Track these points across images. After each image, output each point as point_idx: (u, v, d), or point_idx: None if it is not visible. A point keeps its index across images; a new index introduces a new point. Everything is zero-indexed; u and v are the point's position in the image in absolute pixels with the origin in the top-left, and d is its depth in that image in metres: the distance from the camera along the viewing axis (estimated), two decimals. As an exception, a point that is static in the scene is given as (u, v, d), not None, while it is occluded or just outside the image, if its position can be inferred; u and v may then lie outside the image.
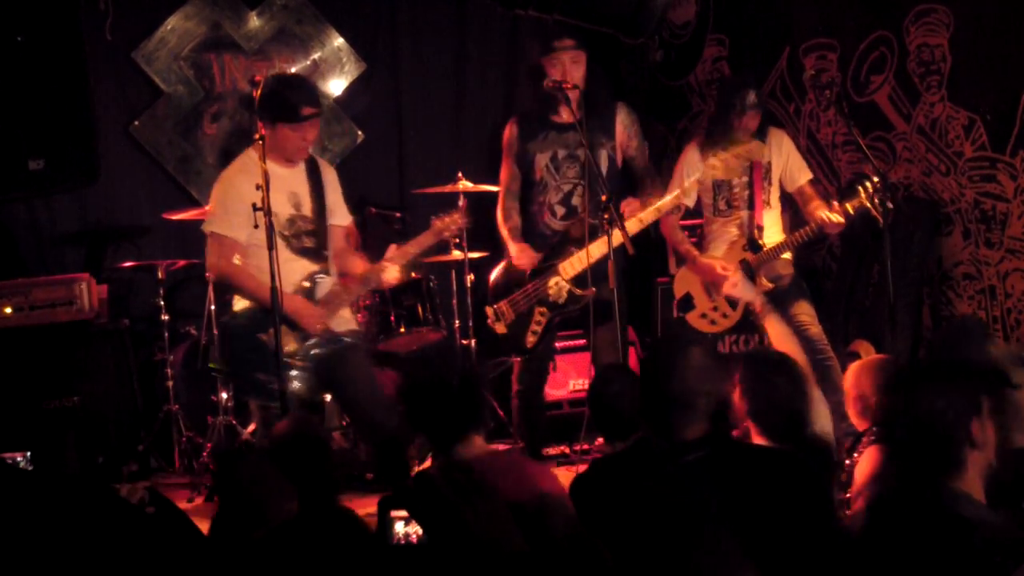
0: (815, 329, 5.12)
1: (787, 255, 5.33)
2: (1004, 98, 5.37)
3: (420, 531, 2.48)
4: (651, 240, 6.43)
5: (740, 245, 5.32)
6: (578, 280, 5.07)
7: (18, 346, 5.42)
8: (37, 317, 5.51)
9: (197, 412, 5.86)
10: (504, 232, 5.29)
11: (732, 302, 5.25)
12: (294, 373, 4.60)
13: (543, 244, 5.21)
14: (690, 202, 5.37)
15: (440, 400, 3.18)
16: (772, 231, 5.35)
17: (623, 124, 5.28)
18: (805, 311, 5.17)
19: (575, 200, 5.20)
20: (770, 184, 5.37)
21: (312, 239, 4.73)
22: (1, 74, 4.84)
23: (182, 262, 6.01)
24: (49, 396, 5.42)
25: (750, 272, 5.20)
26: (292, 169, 4.76)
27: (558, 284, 5.09)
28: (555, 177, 5.22)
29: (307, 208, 4.75)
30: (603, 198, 4.71)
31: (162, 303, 5.80)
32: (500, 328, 5.16)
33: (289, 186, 4.73)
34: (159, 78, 6.61)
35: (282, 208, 4.67)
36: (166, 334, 5.79)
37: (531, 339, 5.14)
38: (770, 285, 5.20)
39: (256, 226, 4.33)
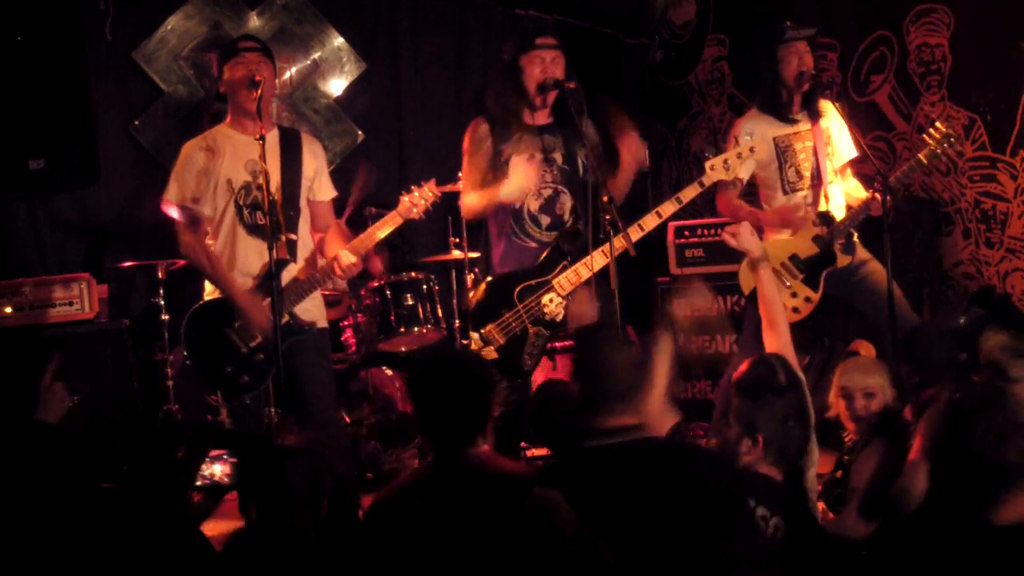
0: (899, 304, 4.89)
1: (854, 234, 5.10)
2: (1004, 98, 5.37)
3: (227, 471, 2.49)
4: (651, 239, 6.42)
5: (809, 220, 5.06)
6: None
7: (18, 346, 5.41)
8: (37, 317, 5.51)
9: (197, 411, 5.86)
10: (486, 195, 4.84)
11: (812, 282, 5.00)
12: (259, 363, 4.51)
13: (528, 258, 4.90)
14: (744, 175, 5.09)
15: (447, 402, 3.10)
16: (837, 204, 5.11)
17: (588, 136, 4.93)
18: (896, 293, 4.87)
19: (559, 208, 4.93)
20: (832, 151, 5.15)
21: (267, 215, 4.35)
22: (1, 74, 4.83)
23: (182, 262, 5.99)
24: (49, 396, 5.42)
25: (827, 247, 5.00)
26: (254, 135, 4.42)
27: (554, 301, 4.79)
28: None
29: (270, 179, 4.39)
30: (604, 199, 4.64)
31: (162, 302, 5.80)
32: (490, 354, 4.78)
33: (248, 153, 4.51)
34: (159, 78, 6.62)
35: (237, 175, 4.53)
36: (166, 334, 5.79)
37: (529, 361, 4.82)
38: (848, 258, 5.02)
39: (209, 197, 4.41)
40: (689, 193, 4.76)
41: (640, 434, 3.02)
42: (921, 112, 5.73)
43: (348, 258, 4.54)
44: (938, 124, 4.98)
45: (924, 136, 4.98)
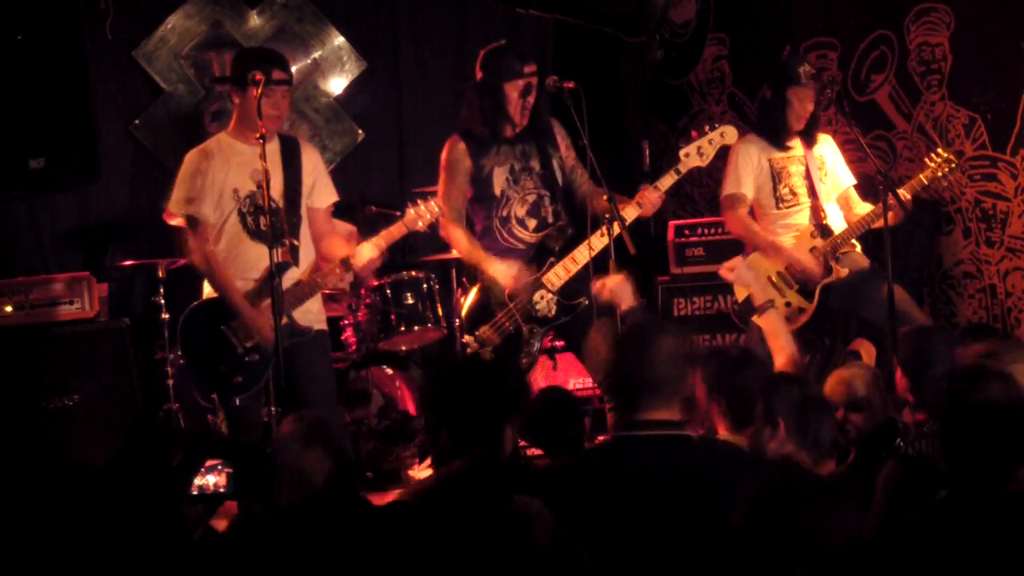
0: (908, 306, 5.01)
1: (858, 246, 5.25)
2: (1004, 97, 5.37)
3: (223, 481, 2.50)
4: (651, 238, 6.43)
5: (808, 232, 5.21)
6: (565, 290, 4.87)
7: (18, 346, 5.42)
8: (37, 316, 5.51)
9: (197, 411, 5.85)
10: (478, 254, 4.94)
11: (807, 293, 5.12)
12: (253, 365, 4.55)
13: (515, 258, 4.92)
14: (749, 192, 5.28)
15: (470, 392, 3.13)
16: (835, 224, 5.25)
17: (560, 136, 5.06)
18: (897, 292, 4.91)
19: (543, 211, 4.97)
20: (826, 176, 5.31)
21: (269, 221, 4.40)
22: (1, 74, 4.83)
23: (182, 261, 5.98)
24: (49, 395, 5.42)
25: (823, 260, 5.12)
26: (257, 147, 4.48)
27: (545, 297, 4.86)
28: (516, 190, 4.96)
29: (272, 187, 4.45)
30: (603, 197, 4.66)
31: (162, 301, 5.79)
32: (487, 355, 4.78)
33: (252, 163, 4.55)
34: (159, 77, 6.62)
35: (243, 184, 4.58)
36: (166, 332, 5.78)
37: (526, 360, 4.88)
38: (844, 271, 5.12)
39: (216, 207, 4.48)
40: (667, 182, 4.86)
41: (680, 431, 2.94)
42: (921, 111, 5.73)
43: (363, 257, 4.62)
44: (940, 150, 5.14)
45: (926, 159, 5.11)
